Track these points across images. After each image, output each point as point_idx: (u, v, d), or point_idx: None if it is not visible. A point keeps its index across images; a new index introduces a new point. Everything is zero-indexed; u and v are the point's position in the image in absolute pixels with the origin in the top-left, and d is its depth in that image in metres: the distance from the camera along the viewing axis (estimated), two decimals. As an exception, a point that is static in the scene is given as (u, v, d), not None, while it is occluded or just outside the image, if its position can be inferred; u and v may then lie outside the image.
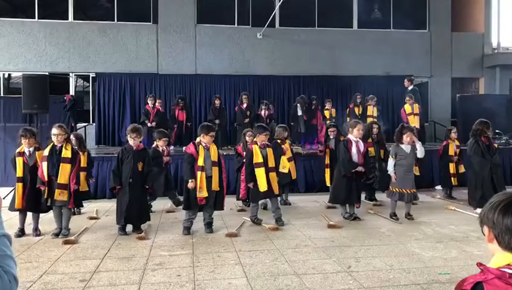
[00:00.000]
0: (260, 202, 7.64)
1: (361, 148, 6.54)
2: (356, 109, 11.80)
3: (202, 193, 5.75)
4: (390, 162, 6.63)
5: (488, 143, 6.97)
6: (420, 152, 6.59)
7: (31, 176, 5.81)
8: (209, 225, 6.00)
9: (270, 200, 6.48)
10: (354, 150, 6.46)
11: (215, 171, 5.86)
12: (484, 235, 1.44)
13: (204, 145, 5.85)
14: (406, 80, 12.04)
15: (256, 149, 6.26)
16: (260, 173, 6.19)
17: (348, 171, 6.42)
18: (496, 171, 6.91)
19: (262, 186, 6.17)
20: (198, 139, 5.95)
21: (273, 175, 6.30)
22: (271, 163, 6.30)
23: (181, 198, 6.83)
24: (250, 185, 6.28)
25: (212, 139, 5.96)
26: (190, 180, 5.74)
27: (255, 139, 6.52)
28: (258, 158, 6.22)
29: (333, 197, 6.87)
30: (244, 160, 7.50)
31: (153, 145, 7.30)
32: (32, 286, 4.03)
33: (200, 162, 5.77)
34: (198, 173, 5.74)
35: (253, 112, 11.52)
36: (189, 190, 5.80)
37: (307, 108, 12.01)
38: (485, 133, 6.94)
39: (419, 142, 6.73)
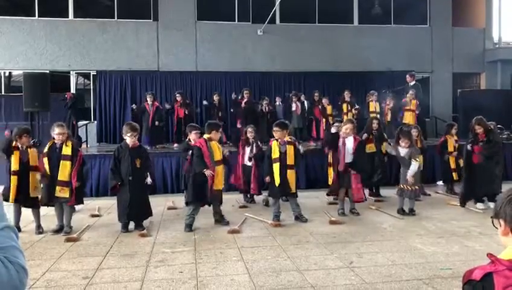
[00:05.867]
0: (262, 198, 7.66)
1: (349, 144, 6.57)
2: (344, 106, 11.81)
3: (219, 186, 6.03)
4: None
5: None
6: (411, 170, 6.51)
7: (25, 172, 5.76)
8: (222, 218, 6.21)
9: (289, 198, 6.52)
10: (340, 144, 6.63)
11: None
12: (497, 228, 1.42)
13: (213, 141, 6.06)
14: (407, 76, 12.00)
15: (274, 145, 6.28)
16: (275, 168, 6.22)
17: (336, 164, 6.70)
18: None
19: (277, 180, 6.20)
20: (206, 136, 6.09)
21: (290, 173, 6.26)
22: (290, 160, 6.25)
23: None
24: (267, 179, 6.35)
25: (219, 136, 6.26)
26: (205, 170, 5.84)
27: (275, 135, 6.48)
28: (274, 154, 6.25)
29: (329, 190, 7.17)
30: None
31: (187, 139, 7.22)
32: (36, 283, 4.05)
33: (217, 156, 6.00)
34: (217, 168, 5.97)
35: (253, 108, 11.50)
36: (195, 184, 5.93)
37: (310, 103, 11.99)
38: None
39: (416, 163, 6.59)
